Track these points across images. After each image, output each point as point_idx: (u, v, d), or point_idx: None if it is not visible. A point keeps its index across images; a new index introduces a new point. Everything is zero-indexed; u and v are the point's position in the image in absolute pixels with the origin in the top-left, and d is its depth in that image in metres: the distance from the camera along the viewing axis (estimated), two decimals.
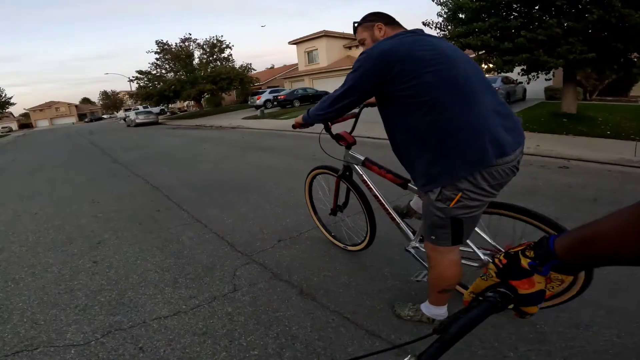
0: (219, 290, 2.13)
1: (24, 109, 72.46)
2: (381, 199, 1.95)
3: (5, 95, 35.97)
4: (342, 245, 2.49)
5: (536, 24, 7.94)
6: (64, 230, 3.51)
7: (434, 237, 1.40)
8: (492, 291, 0.56)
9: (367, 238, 2.22)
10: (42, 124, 66.45)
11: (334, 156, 2.18)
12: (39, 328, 1.91)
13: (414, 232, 1.88)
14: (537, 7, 8.09)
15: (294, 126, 1.87)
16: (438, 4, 9.60)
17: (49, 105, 70.06)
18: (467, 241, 1.61)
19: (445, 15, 9.52)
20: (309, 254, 2.52)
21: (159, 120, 24.79)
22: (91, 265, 2.65)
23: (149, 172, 6.04)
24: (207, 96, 29.90)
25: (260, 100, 22.60)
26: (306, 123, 1.74)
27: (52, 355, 1.70)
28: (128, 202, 4.35)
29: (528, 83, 9.25)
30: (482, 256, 1.61)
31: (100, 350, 1.69)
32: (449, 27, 9.55)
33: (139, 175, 5.93)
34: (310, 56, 30.41)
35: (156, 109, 29.59)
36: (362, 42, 1.54)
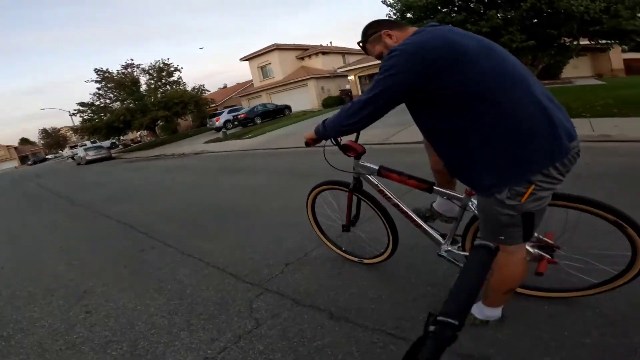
0: (240, 327, 1.96)
1: None
2: (402, 206, 1.89)
3: None
4: (356, 259, 2.40)
5: (476, 17, 8.50)
6: (39, 282, 3.16)
7: (503, 237, 1.30)
8: (433, 326, 0.51)
9: (390, 247, 2.14)
10: None
11: (342, 169, 2.04)
12: None
13: (441, 235, 1.83)
14: (474, 0, 8.69)
15: (307, 144, 1.71)
16: (387, 6, 10.01)
17: None
18: None
19: (394, 16, 9.94)
20: (324, 273, 2.41)
21: (112, 155, 23.39)
22: (85, 316, 2.39)
23: (117, 211, 5.60)
24: (161, 123, 28.74)
25: (219, 121, 22.06)
26: (323, 137, 1.58)
27: None
28: (103, 245, 3.99)
29: None
30: (531, 250, 1.58)
31: None
32: None
33: (106, 215, 5.47)
34: (264, 71, 30.44)
35: (107, 143, 28.05)
36: (379, 57, 1.42)
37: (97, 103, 25.99)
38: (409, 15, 9.55)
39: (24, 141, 77.03)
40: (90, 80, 25.59)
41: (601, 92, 10.20)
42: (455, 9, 9.06)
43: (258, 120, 21.33)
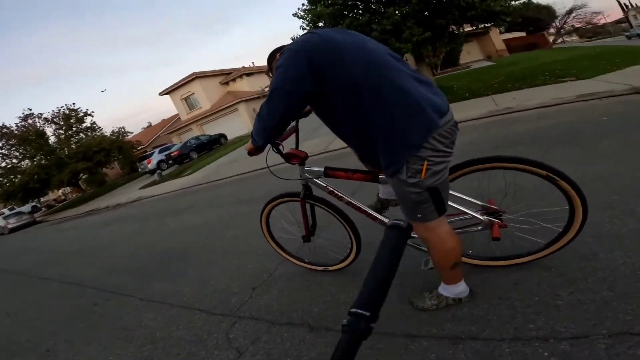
0: None
1: None
2: (355, 202, 1.92)
3: None
4: (320, 268, 2.44)
5: (379, 17, 9.24)
6: None
7: (420, 216, 1.43)
8: (346, 320, 0.49)
9: (355, 248, 2.17)
10: None
11: (289, 178, 2.12)
12: None
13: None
14: (374, 1, 9.43)
15: (250, 153, 1.75)
16: (299, 18, 10.42)
17: None
18: (462, 207, 1.71)
19: (307, 27, 10.38)
20: (292, 289, 2.43)
21: (37, 219, 20.94)
22: None
23: (57, 272, 5.11)
24: (84, 177, 26.19)
25: (151, 163, 20.77)
26: (257, 147, 1.68)
27: None
28: (51, 305, 3.68)
29: None
30: (480, 217, 1.68)
31: None
32: None
33: (46, 278, 4.98)
34: (189, 102, 29.33)
35: (27, 207, 24.99)
36: None
37: (3, 164, 23.02)
38: (320, 24, 10.05)
39: None
40: None
41: (494, 72, 11.68)
42: (360, 12, 9.76)
43: (194, 155, 20.50)
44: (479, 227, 1.72)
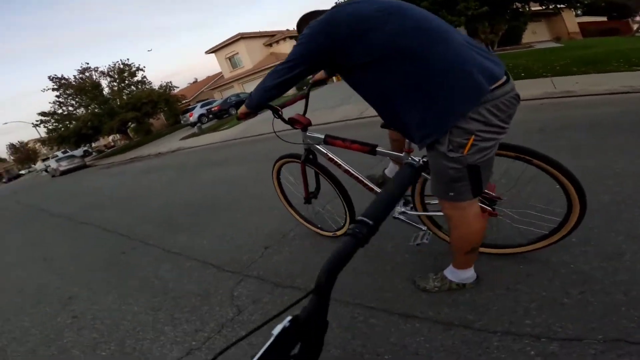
0: (223, 316, 1.98)
1: None
2: (353, 172, 1.92)
3: None
4: (330, 234, 2.43)
5: None
6: (24, 293, 3.15)
7: (452, 194, 1.28)
8: (353, 224, 0.59)
9: (348, 217, 2.17)
10: None
11: (295, 142, 2.11)
12: None
13: None
14: None
15: (239, 118, 1.78)
16: None
17: None
18: None
19: None
20: (302, 253, 2.43)
21: (87, 163, 22.64)
22: (72, 321, 2.40)
23: (97, 218, 5.47)
24: (132, 125, 27.91)
25: (193, 117, 21.51)
26: (251, 109, 1.63)
27: None
28: (85, 252, 3.93)
29: None
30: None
31: None
32: None
33: (87, 223, 5.35)
34: (232, 61, 29.75)
35: (79, 152, 27.11)
36: None
37: (60, 111, 25.02)
38: None
39: None
40: (46, 88, 24.65)
41: (560, 54, 10.43)
42: None
43: (233, 111, 20.94)
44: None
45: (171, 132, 24.31)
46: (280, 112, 1.91)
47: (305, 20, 1.59)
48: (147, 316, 2.20)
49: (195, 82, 42.83)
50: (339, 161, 1.96)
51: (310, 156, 2.09)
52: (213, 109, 20.98)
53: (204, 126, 18.31)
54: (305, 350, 0.41)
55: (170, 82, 27.35)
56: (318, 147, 2.00)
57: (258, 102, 1.56)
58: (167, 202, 5.21)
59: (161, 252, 3.22)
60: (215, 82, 32.69)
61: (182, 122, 24.53)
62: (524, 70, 8.16)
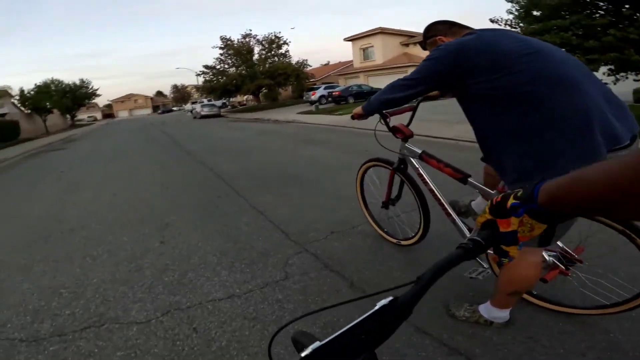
0: (271, 276, 2.19)
1: (108, 100, 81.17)
2: (437, 192, 1.90)
3: (92, 87, 40.08)
4: (394, 240, 2.42)
5: (626, 22, 7.16)
6: (138, 211, 3.88)
7: None
8: (468, 239, 0.58)
9: (420, 231, 2.15)
10: (122, 114, 74.32)
11: (391, 149, 2.13)
12: (108, 304, 2.07)
13: (469, 230, 1.78)
14: (627, 6, 7.29)
15: (352, 117, 1.87)
16: (508, 1, 9.00)
17: (129, 97, 78.22)
18: None
19: (516, 12, 8.93)
20: (361, 247, 2.50)
21: (221, 113, 26.21)
22: (159, 245, 2.88)
23: (212, 161, 6.44)
24: (264, 91, 31.02)
25: (315, 96, 22.83)
26: (366, 113, 1.73)
27: (116, 332, 1.81)
28: (194, 187, 4.70)
29: (615, 84, 8.28)
30: (547, 257, 1.47)
31: (158, 329, 1.80)
32: (521, 25, 8.95)
33: (204, 163, 6.35)
34: (365, 53, 30.10)
35: (219, 103, 31.35)
36: None
37: (218, 67, 29.23)
38: (535, 12, 8.47)
39: (159, 93, 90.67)
40: (215, 46, 29.10)
41: None
42: (601, 12, 7.70)
43: (351, 100, 21.41)
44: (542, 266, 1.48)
45: (292, 105, 26.30)
46: (388, 119, 1.98)
47: (433, 28, 1.58)
48: (213, 257, 2.55)
49: (327, 64, 44.87)
50: (427, 179, 1.96)
51: (402, 166, 2.12)
52: (334, 93, 21.80)
53: (321, 106, 19.26)
54: (381, 329, 0.50)
55: (306, 60, 29.47)
56: (412, 160, 2.02)
57: (375, 109, 1.66)
58: (268, 164, 5.81)
59: (247, 206, 3.64)
60: (344, 69, 33.67)
61: (304, 97, 26.32)
62: None
